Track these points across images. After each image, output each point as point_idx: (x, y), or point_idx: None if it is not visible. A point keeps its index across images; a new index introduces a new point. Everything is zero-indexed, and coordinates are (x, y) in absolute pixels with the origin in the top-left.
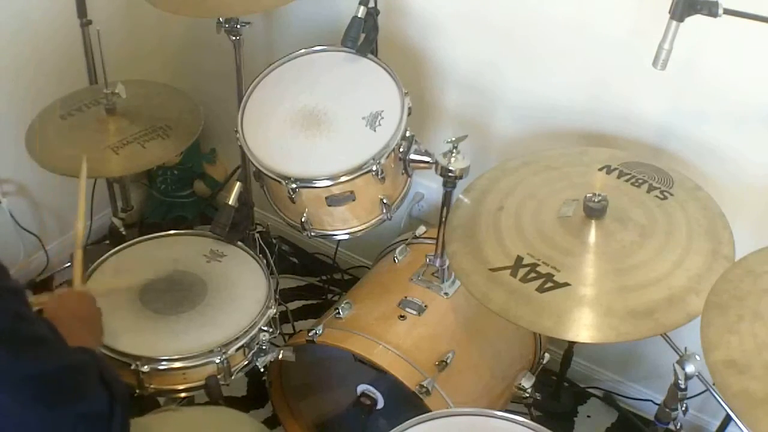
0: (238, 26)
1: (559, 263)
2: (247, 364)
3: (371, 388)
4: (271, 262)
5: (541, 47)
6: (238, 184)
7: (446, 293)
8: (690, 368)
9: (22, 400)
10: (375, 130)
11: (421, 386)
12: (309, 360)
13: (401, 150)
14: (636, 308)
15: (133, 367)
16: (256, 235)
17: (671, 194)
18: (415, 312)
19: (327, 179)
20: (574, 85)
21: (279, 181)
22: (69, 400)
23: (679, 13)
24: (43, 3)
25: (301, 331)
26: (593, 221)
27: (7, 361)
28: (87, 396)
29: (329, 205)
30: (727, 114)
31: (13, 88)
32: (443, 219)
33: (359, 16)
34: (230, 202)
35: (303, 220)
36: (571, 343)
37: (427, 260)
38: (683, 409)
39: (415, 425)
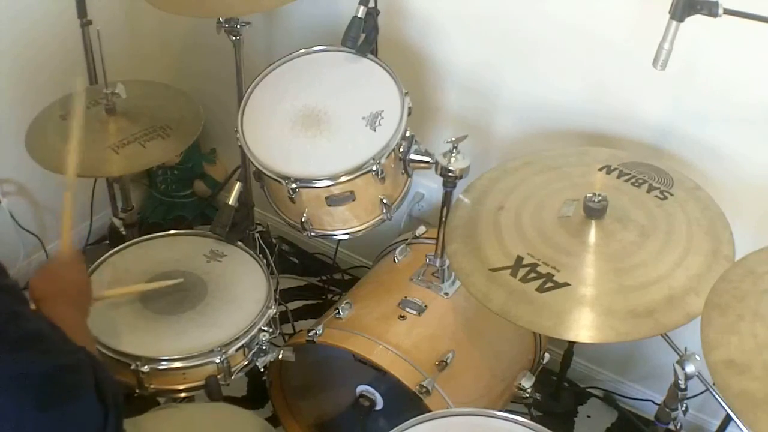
0: (238, 26)
1: (559, 263)
2: (247, 364)
3: (370, 389)
4: (271, 262)
5: (542, 47)
6: (238, 184)
7: (446, 293)
8: (690, 368)
9: (16, 400)
10: (375, 130)
11: (421, 386)
12: (309, 360)
13: (401, 150)
14: (636, 308)
15: (133, 367)
16: (256, 235)
17: (671, 194)
18: (415, 312)
19: (327, 179)
20: (574, 85)
21: (279, 181)
22: (63, 401)
23: (679, 13)
24: (43, 3)
25: (301, 331)
26: (593, 221)
27: (2, 359)
28: (81, 399)
29: (329, 205)
30: (727, 114)
31: (14, 88)
32: (443, 219)
33: (359, 16)
34: (230, 202)
35: (303, 220)
36: (571, 343)
37: (427, 260)
38: (683, 409)
39: (415, 425)
